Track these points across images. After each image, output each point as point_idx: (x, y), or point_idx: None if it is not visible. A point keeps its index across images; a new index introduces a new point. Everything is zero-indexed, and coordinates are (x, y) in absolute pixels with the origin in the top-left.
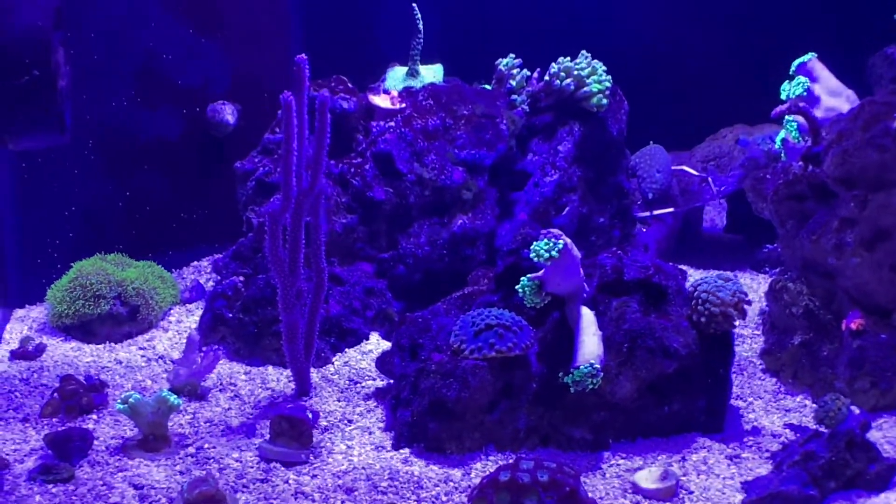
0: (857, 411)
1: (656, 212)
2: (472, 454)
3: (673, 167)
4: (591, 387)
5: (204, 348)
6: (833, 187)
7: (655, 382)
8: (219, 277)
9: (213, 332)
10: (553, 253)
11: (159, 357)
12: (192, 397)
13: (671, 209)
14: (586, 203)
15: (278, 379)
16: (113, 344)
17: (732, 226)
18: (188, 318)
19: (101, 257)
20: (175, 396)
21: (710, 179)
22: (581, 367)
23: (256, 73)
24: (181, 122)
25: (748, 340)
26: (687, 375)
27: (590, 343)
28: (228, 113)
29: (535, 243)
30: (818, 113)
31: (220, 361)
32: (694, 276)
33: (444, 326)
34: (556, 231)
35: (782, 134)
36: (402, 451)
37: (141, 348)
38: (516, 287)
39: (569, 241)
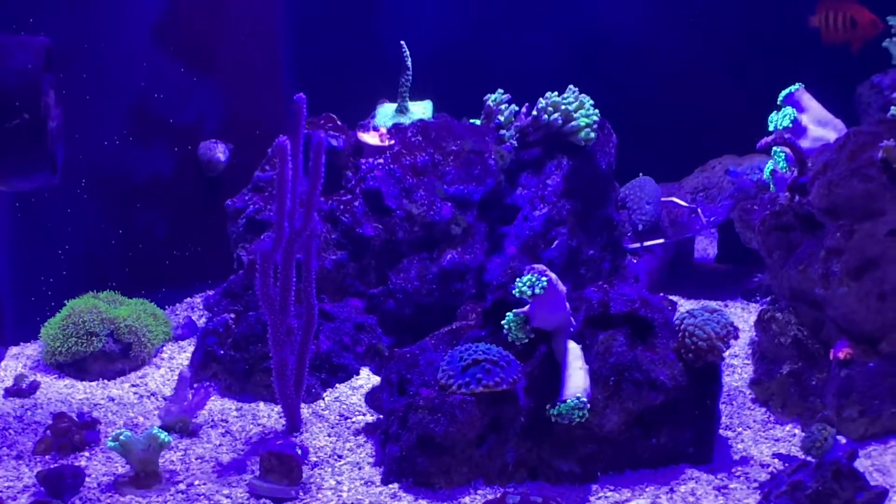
0: (844, 441)
1: (647, 243)
2: (461, 489)
3: (662, 199)
4: (577, 420)
5: (195, 385)
6: (819, 217)
7: (643, 415)
8: (210, 314)
9: (205, 368)
10: (537, 289)
11: (151, 394)
12: (183, 434)
13: (661, 240)
14: (576, 236)
15: (269, 415)
16: (106, 381)
17: (723, 255)
18: (180, 355)
19: (94, 295)
20: (165, 433)
21: (699, 210)
22: (567, 400)
23: (248, 111)
24: (174, 160)
25: (738, 370)
26: (674, 407)
27: (576, 376)
28: (220, 151)
29: (518, 279)
30: (806, 143)
31: (212, 398)
32: (685, 305)
33: (433, 362)
34: (540, 266)
35: (770, 165)
36: (391, 486)
37: (133, 385)
38: (502, 322)
39: (553, 276)
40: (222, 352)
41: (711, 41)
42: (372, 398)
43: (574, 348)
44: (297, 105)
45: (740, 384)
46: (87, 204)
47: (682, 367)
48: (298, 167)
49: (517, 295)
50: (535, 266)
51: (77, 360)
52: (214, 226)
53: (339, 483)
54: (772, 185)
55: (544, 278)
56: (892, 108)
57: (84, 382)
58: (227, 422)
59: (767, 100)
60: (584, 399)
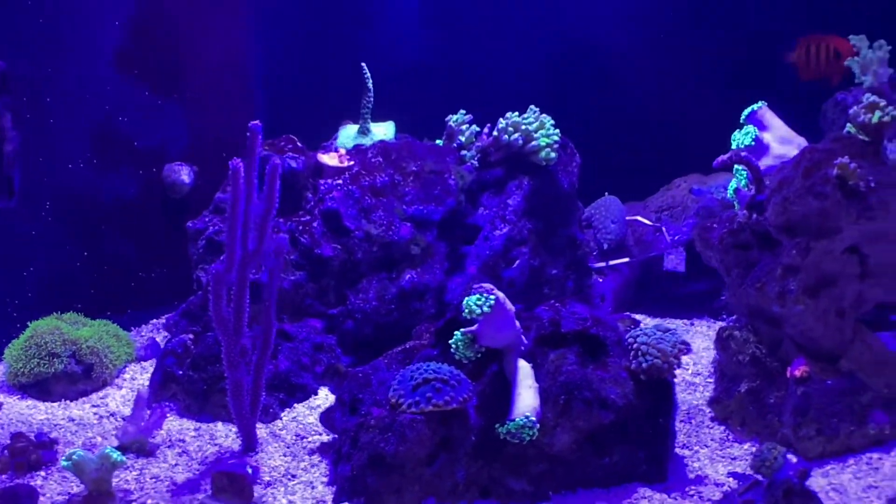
0: (795, 459)
1: (612, 262)
2: None
3: (627, 217)
4: (527, 438)
5: (154, 405)
6: (776, 235)
7: (594, 433)
8: (169, 335)
9: (164, 389)
10: (485, 308)
11: (111, 414)
12: (140, 454)
13: (627, 259)
14: (538, 255)
15: (227, 435)
16: (68, 402)
17: (692, 274)
18: (142, 376)
19: (58, 316)
20: (118, 453)
21: (663, 229)
22: (516, 419)
23: (214, 133)
24: (139, 182)
25: (700, 388)
26: (626, 426)
27: (526, 395)
28: (185, 174)
29: (466, 298)
30: (768, 161)
31: (171, 418)
32: (650, 324)
33: (385, 381)
34: (487, 286)
35: (734, 183)
36: None
37: (94, 406)
38: (449, 341)
39: (501, 295)
40: (181, 372)
41: (678, 60)
42: (326, 418)
43: (524, 367)
44: (251, 131)
45: (701, 402)
46: (52, 226)
47: (634, 386)
48: (252, 190)
49: (465, 314)
50: (483, 285)
51: (39, 381)
52: (180, 248)
53: (290, 502)
54: (736, 204)
55: (491, 297)
56: (848, 125)
57: (46, 403)
58: (184, 441)
59: (734, 118)
60: (534, 418)
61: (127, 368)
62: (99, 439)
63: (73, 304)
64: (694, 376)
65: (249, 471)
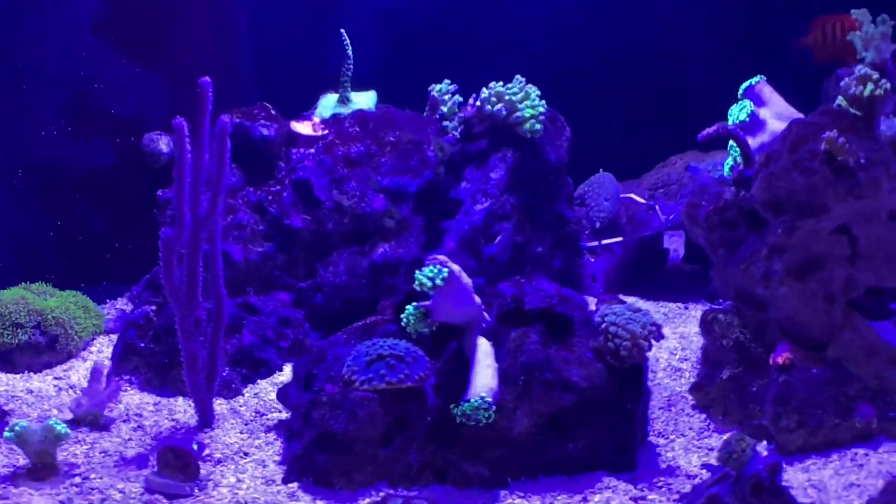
0: (765, 453)
1: (604, 241)
2: (363, 490)
3: (620, 195)
4: (483, 420)
5: (114, 378)
6: (762, 213)
7: (556, 417)
8: (133, 307)
9: (126, 361)
10: (437, 281)
11: (71, 387)
12: (93, 427)
13: (620, 238)
14: (522, 232)
15: (185, 410)
16: (31, 373)
17: (690, 256)
18: (110, 349)
19: (26, 286)
20: (63, 425)
21: (657, 207)
22: (472, 399)
23: (194, 102)
24: (116, 152)
25: (686, 374)
26: (592, 410)
27: (483, 375)
28: (164, 143)
29: (417, 271)
30: (764, 137)
31: (131, 392)
32: (643, 308)
33: (341, 357)
34: (441, 257)
35: (730, 160)
36: (290, 485)
37: (56, 378)
38: (401, 315)
39: (457, 268)
40: (143, 344)
41: (676, 33)
42: (283, 394)
43: (484, 345)
44: (201, 88)
45: (685, 390)
46: (24, 195)
47: (601, 368)
48: (203, 151)
49: (417, 287)
50: (437, 256)
51: (3, 352)
52: (157, 219)
53: (239, 481)
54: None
55: (445, 269)
56: (839, 98)
57: (9, 375)
58: (141, 416)
59: (733, 93)
60: (490, 399)
61: (95, 341)
62: (55, 412)
63: (45, 275)
64: (681, 361)
65: (195, 447)
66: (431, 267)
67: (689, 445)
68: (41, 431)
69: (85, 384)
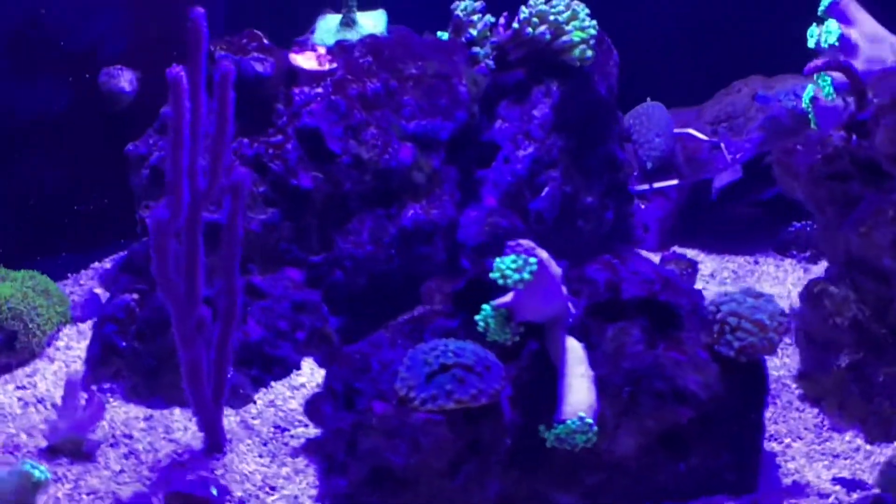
0: None
1: (657, 184)
2: None
3: (676, 130)
4: (581, 445)
5: (94, 387)
6: (887, 167)
7: (667, 434)
8: (108, 294)
9: (104, 365)
10: (525, 275)
11: (39, 400)
12: (75, 457)
13: (675, 181)
14: (570, 180)
15: (185, 427)
16: None
17: (750, 197)
18: (80, 343)
19: None
20: (41, 469)
21: (723, 145)
22: (567, 420)
23: (161, 30)
24: (68, 92)
25: (778, 353)
26: (708, 423)
27: (578, 388)
28: (125, 80)
29: (498, 260)
30: (858, 65)
31: (114, 403)
32: (707, 264)
33: (389, 364)
34: (526, 243)
35: (811, 90)
36: None
37: (19, 388)
38: (476, 318)
39: (545, 255)
40: (124, 343)
41: None
42: (312, 408)
43: (575, 348)
44: (194, 22)
45: (783, 373)
46: None
47: (717, 371)
48: (201, 106)
49: (499, 282)
50: (521, 242)
51: None
52: (122, 173)
53: None
54: (812, 117)
55: (533, 260)
56: None
57: None
58: (131, 438)
59: (804, 8)
60: (590, 420)
61: (60, 333)
62: (24, 437)
63: None
64: None
65: (214, 492)
66: (515, 257)
67: (809, 451)
68: (16, 479)
69: (55, 395)
